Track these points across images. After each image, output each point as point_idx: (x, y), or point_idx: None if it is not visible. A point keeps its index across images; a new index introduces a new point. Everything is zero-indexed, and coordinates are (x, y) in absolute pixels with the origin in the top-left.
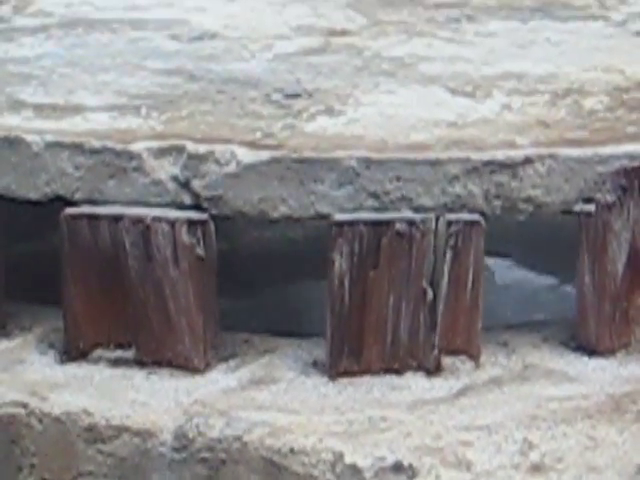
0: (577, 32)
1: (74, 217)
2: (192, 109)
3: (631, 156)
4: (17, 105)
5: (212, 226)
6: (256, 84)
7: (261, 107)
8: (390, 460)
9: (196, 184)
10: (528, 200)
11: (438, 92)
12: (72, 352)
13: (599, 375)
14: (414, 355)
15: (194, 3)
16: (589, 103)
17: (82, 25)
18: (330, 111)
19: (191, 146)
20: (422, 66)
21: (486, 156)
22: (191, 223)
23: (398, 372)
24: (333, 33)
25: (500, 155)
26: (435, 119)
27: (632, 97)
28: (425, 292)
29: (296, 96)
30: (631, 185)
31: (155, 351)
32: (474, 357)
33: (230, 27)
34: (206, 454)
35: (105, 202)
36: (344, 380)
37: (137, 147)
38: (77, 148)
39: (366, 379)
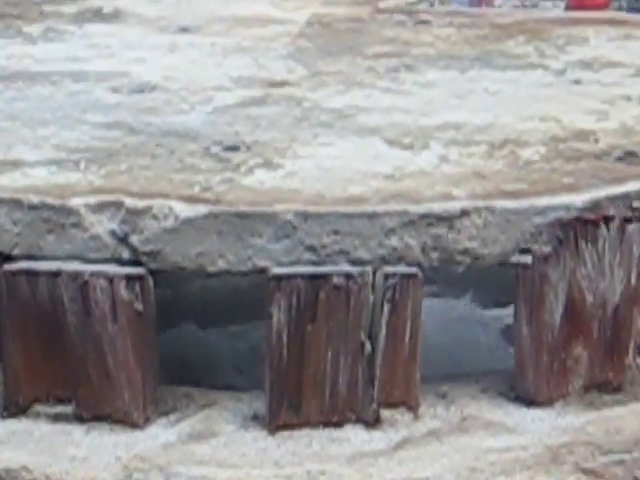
0: (515, 81)
1: (13, 273)
2: (131, 163)
3: (567, 207)
4: None
5: (150, 281)
6: (195, 137)
7: (200, 161)
8: None
9: (134, 239)
10: (465, 252)
11: (376, 144)
12: (11, 407)
13: (537, 426)
14: (353, 408)
15: (135, 54)
16: (526, 154)
17: (22, 78)
18: (268, 164)
19: (129, 201)
20: (360, 117)
21: (422, 209)
22: (129, 278)
23: (337, 425)
24: (273, 84)
25: (437, 208)
26: (372, 171)
27: (569, 147)
28: (363, 345)
29: (235, 149)
30: (567, 236)
31: (95, 406)
32: (413, 409)
33: (170, 79)
34: None
35: (44, 258)
36: (284, 433)
37: (75, 202)
38: (15, 204)
39: (305, 432)
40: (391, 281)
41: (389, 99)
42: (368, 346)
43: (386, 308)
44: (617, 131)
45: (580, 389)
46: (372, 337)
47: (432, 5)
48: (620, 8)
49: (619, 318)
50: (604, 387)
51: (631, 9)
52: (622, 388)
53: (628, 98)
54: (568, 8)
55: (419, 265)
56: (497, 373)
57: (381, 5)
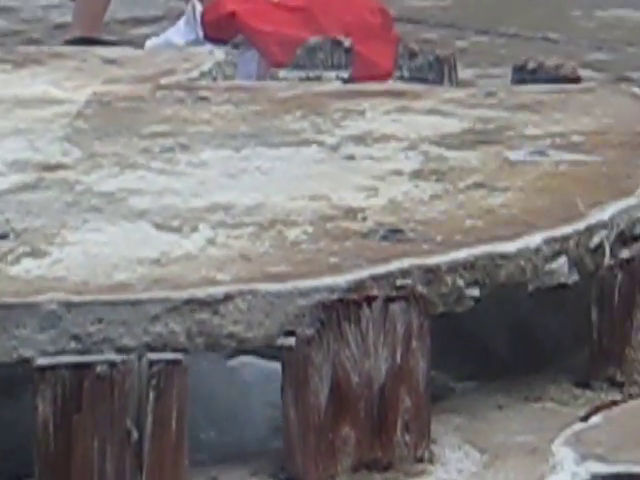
0: (289, 158)
1: None
2: None
3: (331, 289)
4: None
5: None
6: None
7: None
8: None
9: None
10: (230, 336)
11: (145, 228)
12: None
13: None
14: None
15: None
16: (293, 234)
17: None
18: (36, 252)
19: None
20: (132, 200)
21: (186, 294)
22: None
23: None
24: (47, 168)
25: (200, 293)
26: (139, 257)
27: (336, 226)
28: (130, 433)
29: (3, 237)
30: (330, 318)
31: None
32: None
33: None
34: None
35: None
36: None
37: None
38: None
39: None
40: (155, 368)
41: (162, 181)
42: (135, 433)
43: (151, 395)
44: (385, 208)
45: (349, 468)
46: (139, 424)
47: (215, 80)
48: (402, 78)
49: (386, 397)
50: (373, 465)
51: (413, 79)
52: (391, 466)
53: (399, 173)
54: (352, 79)
55: (185, 351)
56: (267, 453)
57: (162, 82)
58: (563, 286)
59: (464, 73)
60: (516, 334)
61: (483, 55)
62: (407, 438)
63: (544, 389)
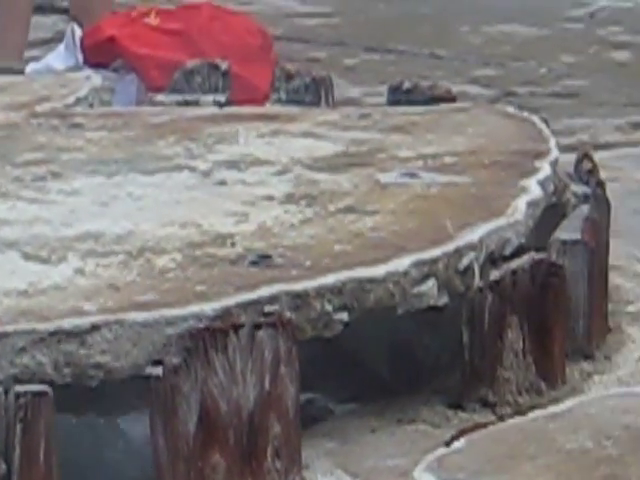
0: (161, 185)
1: None
2: None
3: (198, 317)
4: None
5: None
6: None
7: None
8: None
9: None
10: (98, 366)
11: (14, 258)
12: None
13: None
14: None
15: None
16: (162, 262)
17: None
18: None
19: None
20: (1, 231)
21: (52, 326)
22: None
23: None
24: None
25: (66, 324)
26: (6, 288)
27: (205, 253)
28: None
29: None
30: (197, 346)
31: None
32: None
33: None
34: None
35: None
36: None
37: None
38: None
39: None
40: (22, 400)
41: (33, 210)
42: (3, 466)
43: (18, 427)
44: (255, 233)
45: None
46: (7, 457)
47: (91, 106)
48: (279, 100)
49: (255, 424)
50: None
51: (290, 101)
52: None
53: (270, 198)
54: (229, 103)
55: (52, 382)
56: None
57: (37, 109)
58: (436, 308)
59: (352, 91)
60: (397, 355)
61: (372, 73)
62: (278, 464)
63: (417, 411)
